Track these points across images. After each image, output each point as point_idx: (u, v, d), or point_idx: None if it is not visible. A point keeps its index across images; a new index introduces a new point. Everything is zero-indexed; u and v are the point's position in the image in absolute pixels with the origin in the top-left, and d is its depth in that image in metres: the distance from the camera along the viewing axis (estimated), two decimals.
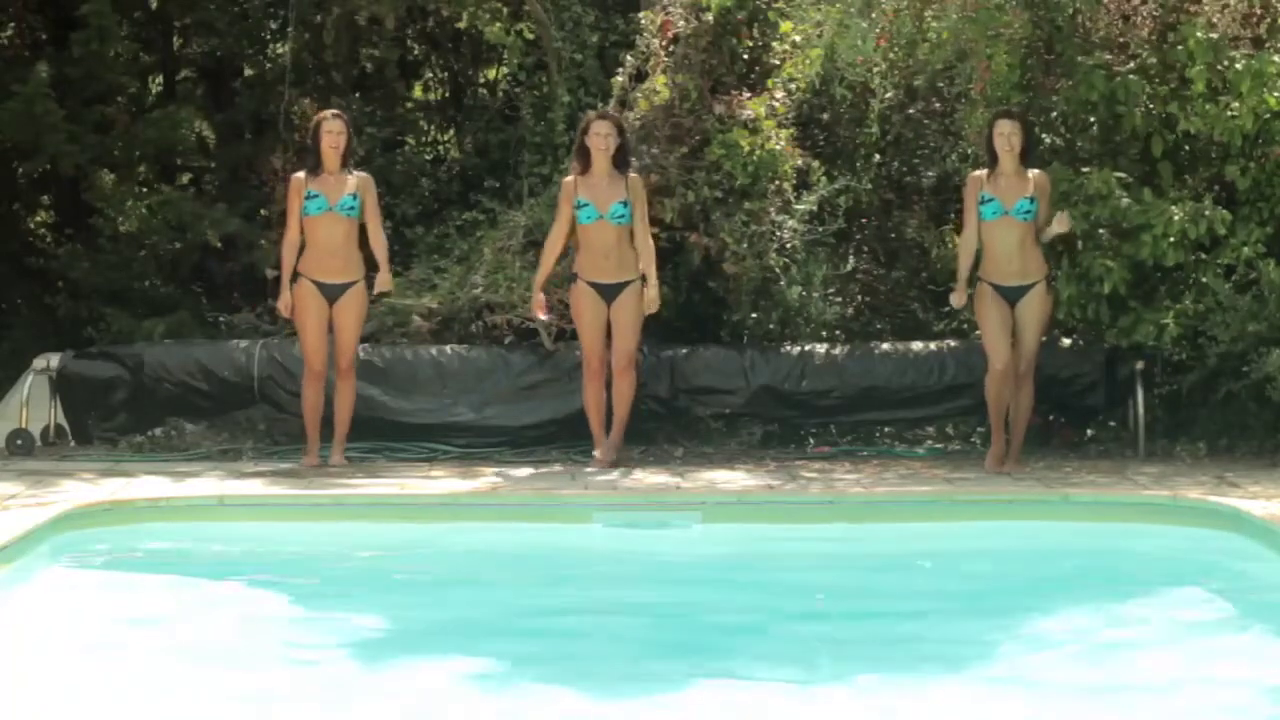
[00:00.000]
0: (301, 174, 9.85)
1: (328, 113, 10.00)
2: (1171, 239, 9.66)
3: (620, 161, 9.69)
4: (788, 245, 10.60)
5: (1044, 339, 9.82)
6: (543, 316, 10.03)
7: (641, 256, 9.67)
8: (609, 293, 9.65)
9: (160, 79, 14.54)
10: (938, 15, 10.15)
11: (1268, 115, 9.68)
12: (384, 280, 9.89)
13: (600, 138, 9.64)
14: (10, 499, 8.43)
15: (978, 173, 9.62)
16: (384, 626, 6.62)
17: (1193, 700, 5.48)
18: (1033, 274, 9.52)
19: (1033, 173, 9.56)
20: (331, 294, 9.73)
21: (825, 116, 11.41)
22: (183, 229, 12.52)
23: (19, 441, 10.35)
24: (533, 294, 9.89)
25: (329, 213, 9.70)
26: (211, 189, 13.69)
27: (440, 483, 9.24)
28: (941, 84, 11.09)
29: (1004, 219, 9.45)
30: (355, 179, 9.82)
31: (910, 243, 11.50)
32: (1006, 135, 9.43)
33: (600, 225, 9.60)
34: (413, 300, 10.75)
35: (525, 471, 9.69)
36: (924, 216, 11.46)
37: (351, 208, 9.73)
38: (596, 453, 9.79)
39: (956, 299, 9.69)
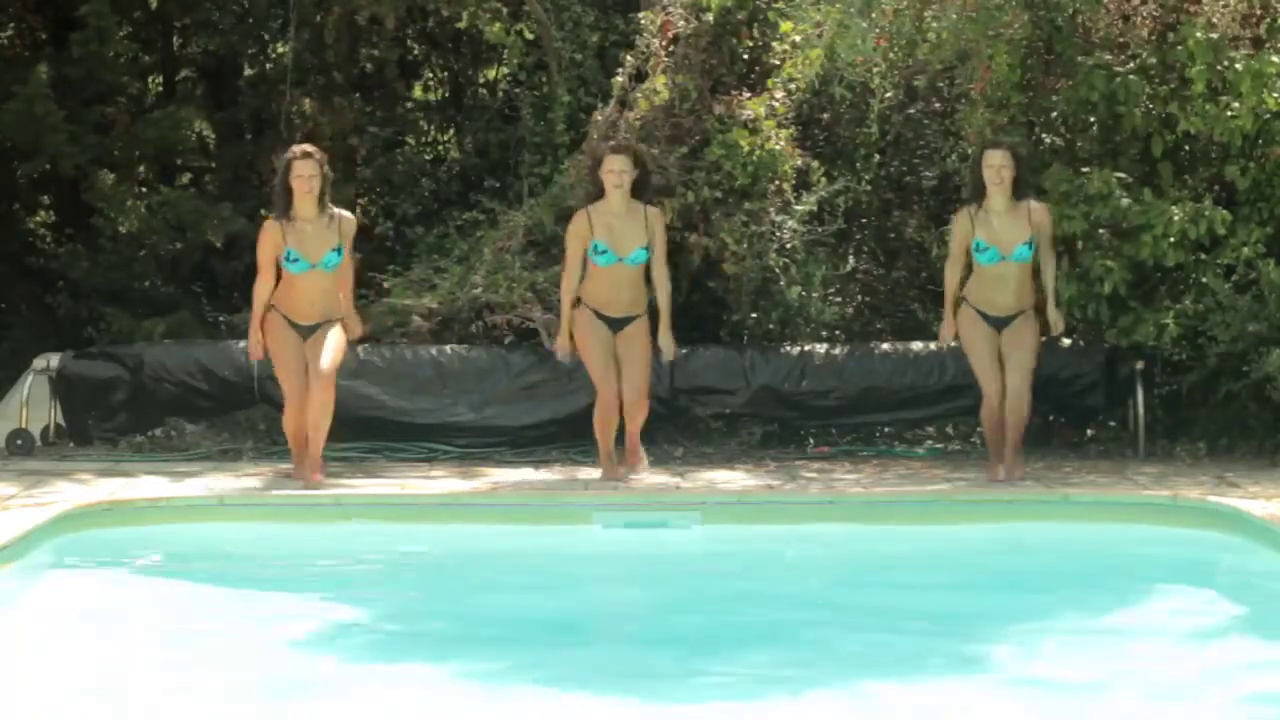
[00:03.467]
0: (276, 223, 8.89)
1: (297, 150, 8.90)
2: (1171, 239, 9.65)
3: (639, 192, 9.01)
4: (787, 245, 10.60)
5: (1036, 362, 9.23)
6: (563, 355, 9.34)
7: (659, 293, 9.12)
8: (615, 325, 9.10)
9: (160, 79, 14.55)
10: (937, 15, 10.15)
11: (1268, 115, 9.68)
12: (354, 329, 9.14)
13: (614, 174, 8.87)
14: (10, 499, 8.43)
15: (966, 210, 9.08)
16: (383, 626, 6.62)
17: (1193, 700, 5.48)
18: (1025, 305, 9.13)
19: (1032, 206, 9.08)
20: (307, 332, 8.99)
21: (825, 116, 11.41)
22: (183, 229, 12.53)
23: (19, 441, 10.35)
24: (560, 336, 9.25)
25: (312, 270, 8.84)
26: (212, 189, 13.69)
27: (440, 483, 9.24)
28: (941, 84, 11.10)
29: (1001, 264, 9.00)
30: (336, 225, 8.89)
31: (910, 243, 11.51)
32: (996, 168, 8.90)
33: (617, 267, 8.94)
34: (413, 300, 10.75)
35: (525, 471, 9.69)
36: (924, 216, 11.46)
37: (336, 264, 8.88)
38: (599, 474, 9.40)
39: (944, 334, 9.31)
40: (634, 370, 9.08)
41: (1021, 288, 9.07)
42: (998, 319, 9.10)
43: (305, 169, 8.73)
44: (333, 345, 8.93)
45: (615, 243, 8.88)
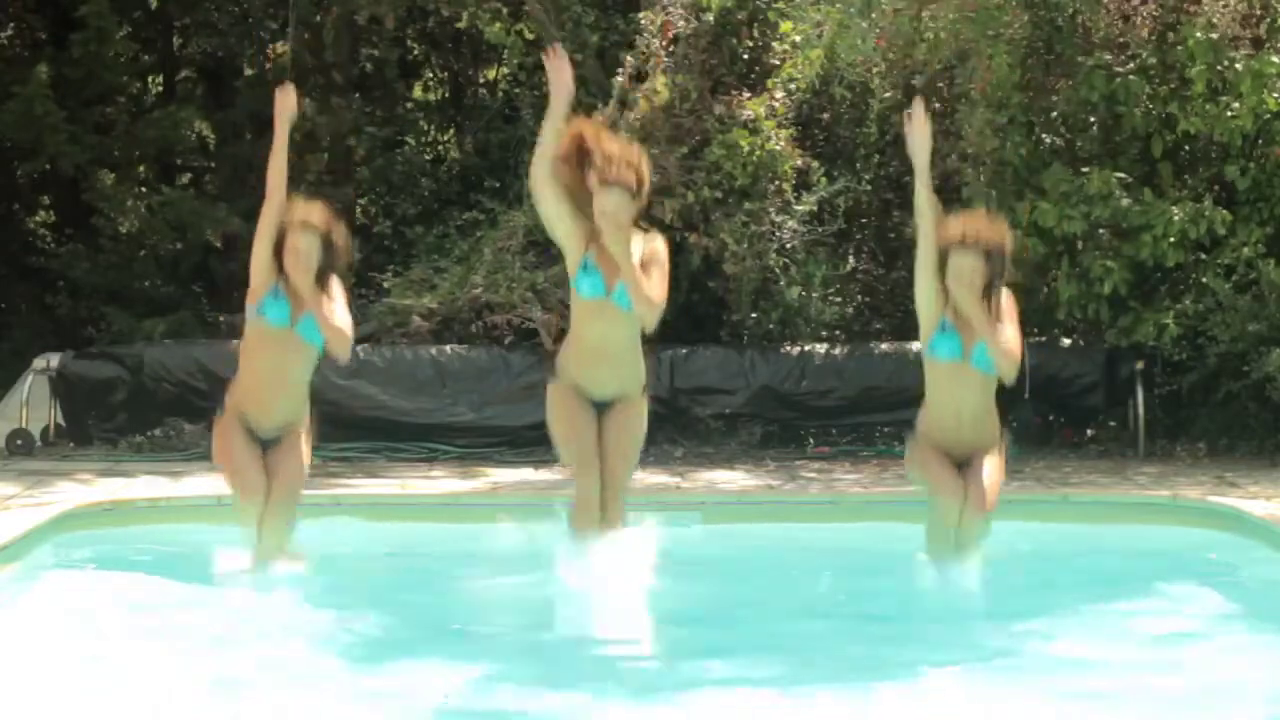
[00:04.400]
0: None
1: (295, 218, 6.67)
2: (1171, 239, 9.66)
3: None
4: (787, 245, 10.62)
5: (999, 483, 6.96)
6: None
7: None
8: (601, 406, 6.99)
9: (160, 79, 14.56)
10: (935, 15, 10.16)
11: (1268, 115, 9.69)
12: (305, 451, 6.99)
13: (608, 214, 6.57)
14: (10, 499, 8.43)
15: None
16: (384, 625, 6.62)
17: (1193, 699, 5.48)
18: (986, 441, 6.82)
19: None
20: (265, 445, 7.06)
21: (825, 116, 11.42)
22: (183, 229, 12.54)
23: (19, 441, 10.35)
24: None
25: (288, 330, 6.76)
26: (212, 189, 13.71)
27: (440, 483, 9.24)
28: (941, 84, 11.11)
29: (960, 366, 6.67)
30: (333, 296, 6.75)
31: (910, 243, 11.42)
32: (969, 274, 6.61)
33: (603, 310, 6.68)
34: (413, 300, 10.75)
35: (525, 472, 9.69)
36: None
37: (312, 330, 6.75)
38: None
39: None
40: (620, 458, 6.92)
41: (983, 418, 6.79)
42: (957, 455, 6.85)
43: (302, 243, 6.63)
44: (297, 467, 7.00)
45: (606, 265, 6.68)
